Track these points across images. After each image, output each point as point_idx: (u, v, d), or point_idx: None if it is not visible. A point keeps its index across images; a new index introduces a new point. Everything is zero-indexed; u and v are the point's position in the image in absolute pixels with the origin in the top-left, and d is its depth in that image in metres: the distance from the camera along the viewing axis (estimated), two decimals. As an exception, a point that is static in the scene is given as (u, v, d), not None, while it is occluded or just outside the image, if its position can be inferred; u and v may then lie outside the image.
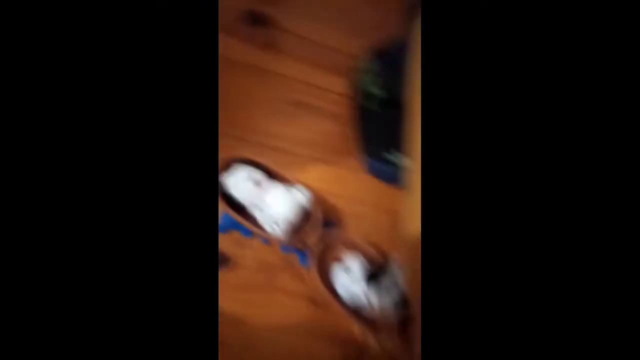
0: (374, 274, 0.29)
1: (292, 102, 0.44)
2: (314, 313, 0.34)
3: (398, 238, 0.35)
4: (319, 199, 0.38)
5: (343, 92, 0.45)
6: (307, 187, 0.39)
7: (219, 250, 0.34)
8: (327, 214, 0.37)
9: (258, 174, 0.32)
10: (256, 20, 0.46)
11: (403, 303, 0.29)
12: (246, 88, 0.43)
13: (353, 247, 0.34)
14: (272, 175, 0.34)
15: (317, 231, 0.32)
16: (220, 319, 0.32)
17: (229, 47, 0.44)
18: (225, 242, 0.34)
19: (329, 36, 0.47)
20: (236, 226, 0.34)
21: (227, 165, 0.34)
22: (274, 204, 0.31)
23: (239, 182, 0.31)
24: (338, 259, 0.33)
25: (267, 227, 0.31)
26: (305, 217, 0.33)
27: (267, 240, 0.33)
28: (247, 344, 0.32)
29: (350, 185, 0.40)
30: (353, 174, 0.41)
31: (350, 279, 0.30)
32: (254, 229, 0.32)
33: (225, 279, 0.33)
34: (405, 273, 0.30)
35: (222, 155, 0.37)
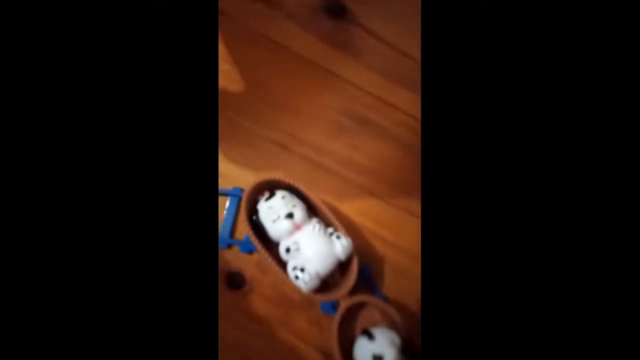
0: None
1: (356, 116, 0.38)
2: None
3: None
4: (362, 243, 0.33)
5: (420, 117, 0.38)
6: (353, 223, 0.33)
7: (237, 271, 0.30)
8: (367, 261, 0.32)
9: (298, 207, 0.27)
10: (335, 11, 0.40)
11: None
12: (307, 89, 0.38)
13: (388, 318, 0.28)
14: (313, 210, 0.29)
15: (350, 286, 0.27)
16: (222, 344, 0.28)
17: (296, 37, 0.39)
18: (247, 264, 0.31)
19: (417, 48, 0.40)
20: (254, 250, 0.30)
21: (266, 189, 0.29)
22: (305, 249, 0.26)
23: (273, 211, 0.27)
24: (366, 328, 0.27)
25: (289, 269, 0.26)
26: (339, 268, 0.28)
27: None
28: None
29: (403, 233, 0.34)
30: (410, 220, 0.34)
31: (372, 359, 0.24)
32: (271, 263, 0.27)
33: (237, 302, 0.30)
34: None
35: (264, 171, 0.33)
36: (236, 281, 0.30)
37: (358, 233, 0.33)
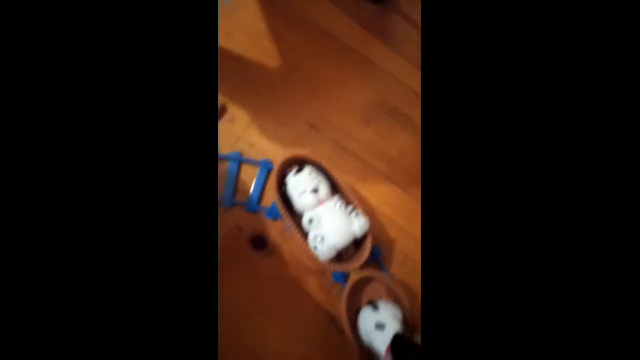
0: (401, 343, 0.26)
1: (386, 106, 0.39)
2: (328, 330, 0.32)
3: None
4: (375, 219, 0.35)
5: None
6: (367, 201, 0.36)
7: (261, 234, 0.34)
8: (377, 237, 0.35)
9: (323, 184, 0.30)
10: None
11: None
12: (341, 74, 0.39)
13: (393, 295, 0.31)
14: (337, 188, 0.32)
15: (363, 261, 0.30)
16: (239, 297, 0.32)
17: (336, 20, 0.40)
18: (270, 229, 0.34)
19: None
20: (279, 217, 0.33)
21: (295, 164, 0.31)
22: (326, 222, 0.28)
23: (301, 186, 0.29)
24: (372, 300, 0.30)
25: (310, 237, 0.29)
26: (354, 243, 0.30)
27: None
28: (258, 328, 0.32)
29: (417, 221, 0.36)
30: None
31: (375, 327, 0.27)
32: (294, 231, 0.30)
33: (258, 262, 0.33)
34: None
35: (293, 147, 0.35)
36: (259, 243, 0.34)
37: (374, 216, 0.35)
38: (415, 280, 0.35)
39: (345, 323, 0.29)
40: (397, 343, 0.25)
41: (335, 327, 0.32)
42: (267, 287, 0.33)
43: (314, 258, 0.33)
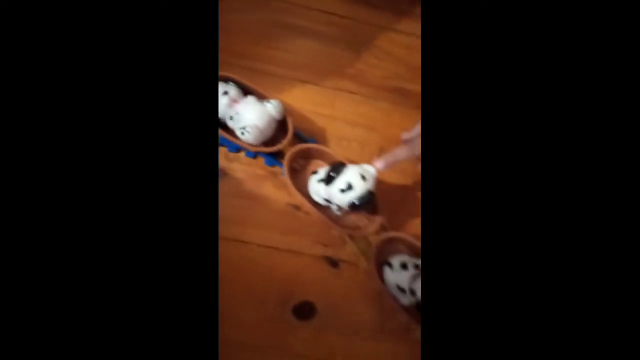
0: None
1: (282, 23, 0.43)
2: (295, 216, 0.38)
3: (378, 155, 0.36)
4: (300, 117, 0.40)
5: (335, 12, 0.44)
6: (288, 105, 0.40)
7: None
8: (308, 131, 0.40)
9: (231, 87, 0.34)
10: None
11: (368, 201, 0.31)
12: (230, 10, 0.43)
13: (331, 162, 0.36)
14: (248, 91, 0.36)
15: (291, 142, 0.35)
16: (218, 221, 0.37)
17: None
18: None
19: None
20: (222, 142, 0.37)
21: None
22: (243, 112, 0.33)
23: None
24: (314, 170, 0.35)
25: (238, 133, 0.34)
26: (279, 128, 0.35)
27: (253, 154, 0.36)
28: (241, 239, 0.37)
29: (338, 106, 0.41)
30: (342, 95, 0.42)
31: (316, 182, 0.33)
32: (233, 139, 0.34)
33: (221, 188, 0.38)
34: (370, 175, 0.33)
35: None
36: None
37: (297, 114, 0.40)
38: (350, 152, 0.40)
39: (296, 197, 0.35)
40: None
41: (300, 212, 0.38)
42: (234, 205, 0.38)
43: (261, 165, 0.38)
